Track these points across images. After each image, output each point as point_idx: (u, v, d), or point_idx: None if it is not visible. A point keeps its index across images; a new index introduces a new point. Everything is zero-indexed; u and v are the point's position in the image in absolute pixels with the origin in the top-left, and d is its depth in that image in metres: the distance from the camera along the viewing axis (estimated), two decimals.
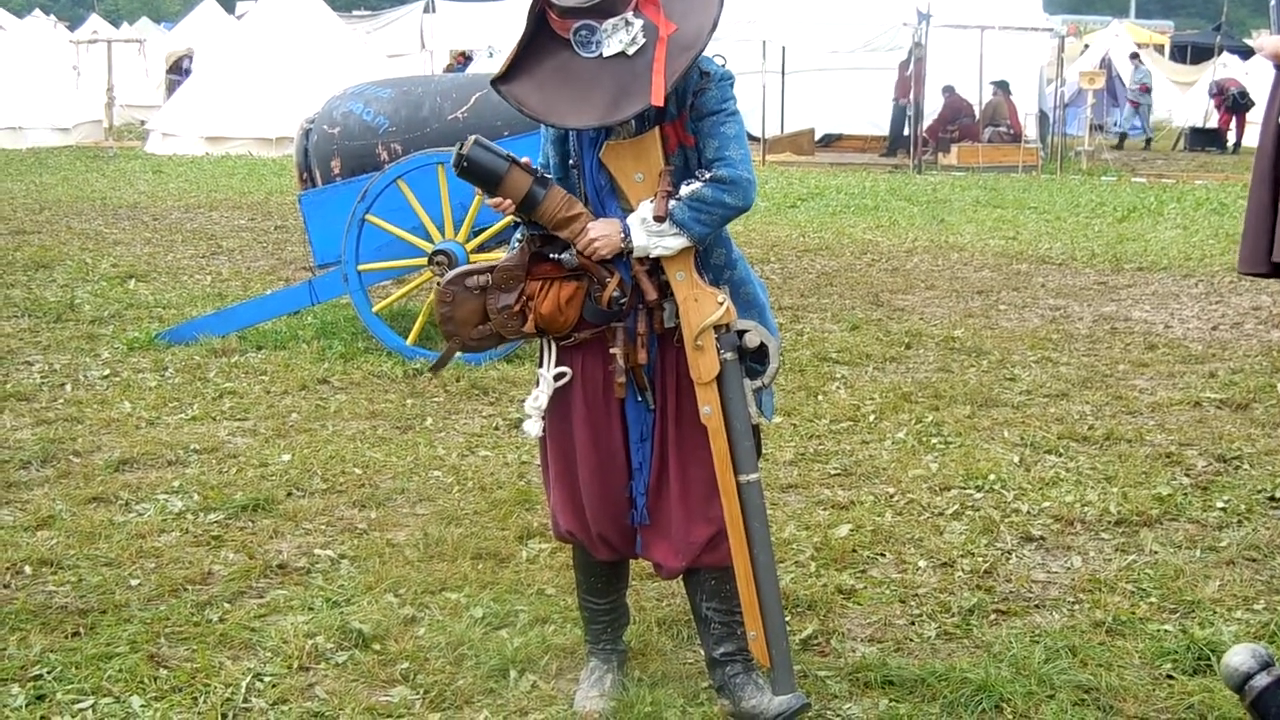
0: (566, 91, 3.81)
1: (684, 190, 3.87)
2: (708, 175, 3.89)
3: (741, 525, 3.96)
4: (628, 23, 3.80)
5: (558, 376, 4.06)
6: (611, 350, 3.98)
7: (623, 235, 3.90)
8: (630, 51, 3.80)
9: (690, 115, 3.94)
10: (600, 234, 3.91)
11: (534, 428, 4.12)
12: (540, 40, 3.88)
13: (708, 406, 3.94)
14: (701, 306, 3.90)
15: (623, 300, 3.96)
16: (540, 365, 4.10)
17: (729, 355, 3.93)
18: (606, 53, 3.81)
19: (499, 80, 3.88)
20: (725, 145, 3.93)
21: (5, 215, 16.37)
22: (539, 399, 4.07)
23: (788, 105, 27.31)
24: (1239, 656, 4.34)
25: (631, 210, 3.91)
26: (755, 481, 3.98)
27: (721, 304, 3.91)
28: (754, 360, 4.02)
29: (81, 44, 34.36)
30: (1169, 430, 7.42)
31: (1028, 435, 7.26)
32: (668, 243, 3.88)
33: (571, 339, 4.04)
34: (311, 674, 4.51)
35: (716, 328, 3.92)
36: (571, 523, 4.18)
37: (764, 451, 6.73)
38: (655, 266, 3.93)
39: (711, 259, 4.04)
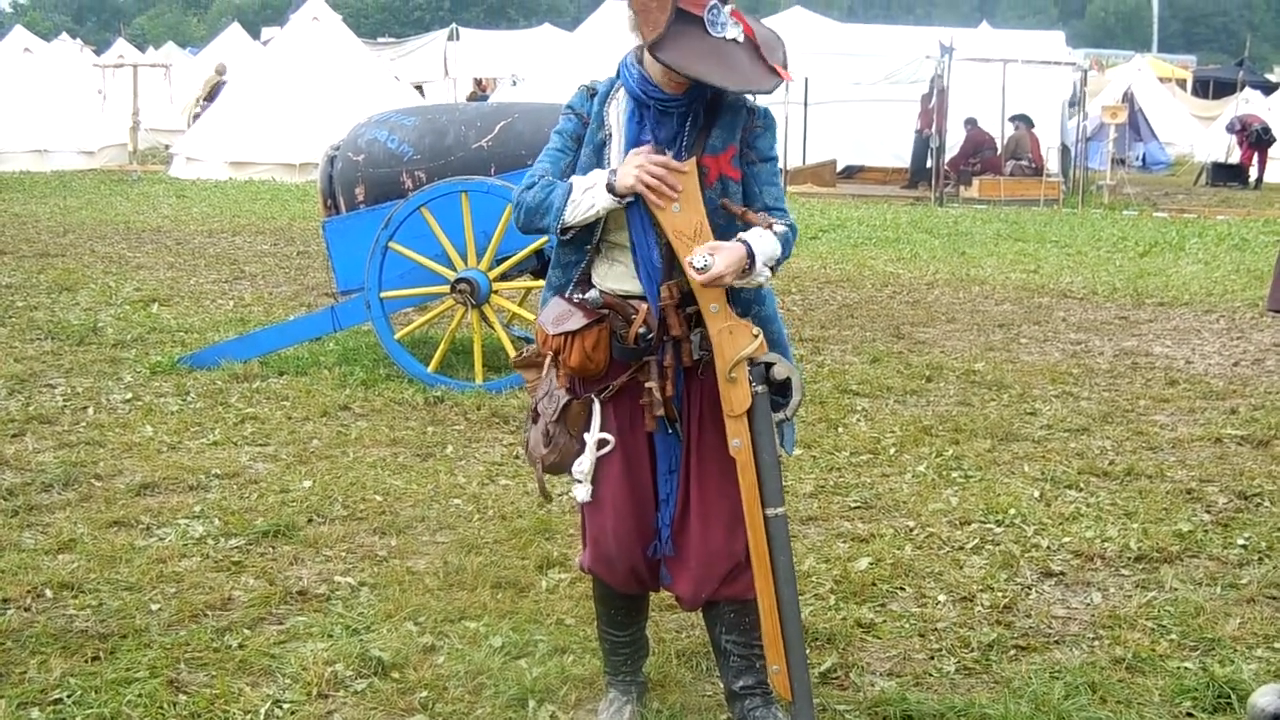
0: (712, 61, 3.84)
1: (779, 229, 3.96)
2: (780, 225, 3.97)
3: (767, 559, 3.96)
4: (732, 19, 3.90)
5: (601, 444, 4.05)
6: (646, 384, 3.99)
7: (748, 261, 3.87)
8: (740, 40, 3.88)
9: (741, 152, 4.01)
10: (727, 265, 3.84)
11: (582, 493, 4.09)
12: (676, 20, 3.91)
13: (738, 439, 3.93)
14: (736, 339, 3.90)
15: (649, 336, 3.98)
16: (586, 429, 4.08)
17: (760, 388, 3.93)
18: (727, 35, 3.86)
19: (654, 48, 3.82)
20: (780, 198, 4.08)
21: (29, 238, 16.46)
22: (584, 464, 4.06)
23: (810, 136, 27.34)
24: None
25: (665, 241, 3.92)
26: (781, 515, 3.98)
27: (756, 336, 3.91)
28: (776, 393, 4.02)
29: (107, 68, 34.55)
30: (1190, 466, 7.41)
31: (1048, 470, 7.25)
32: (762, 277, 3.94)
33: (609, 389, 4.05)
34: (331, 701, 4.52)
35: (749, 361, 3.93)
36: (598, 561, 4.18)
37: (784, 484, 6.76)
38: (684, 299, 3.95)
39: (742, 292, 4.04)
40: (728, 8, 3.88)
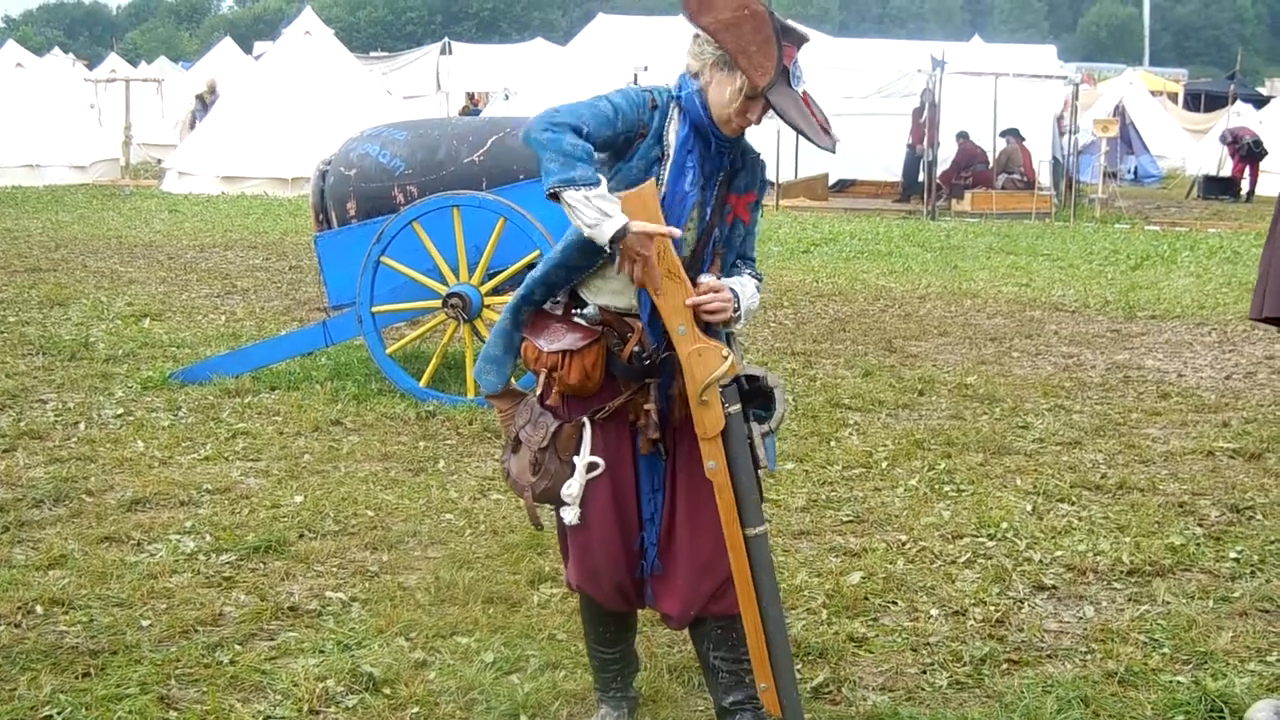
0: (799, 113, 3.89)
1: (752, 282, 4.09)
2: (757, 279, 4.13)
3: (749, 579, 3.93)
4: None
5: (591, 466, 4.03)
6: (646, 407, 3.98)
7: (735, 305, 3.98)
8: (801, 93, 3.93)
9: (754, 200, 4.09)
10: (724, 304, 3.95)
11: (570, 515, 4.06)
12: None
13: (713, 461, 3.90)
14: (706, 361, 3.86)
15: (645, 356, 3.96)
16: (576, 453, 4.06)
17: (733, 409, 3.91)
18: (799, 88, 3.91)
19: (768, 91, 3.83)
20: (754, 248, 4.20)
21: (22, 252, 16.44)
22: (572, 487, 4.03)
23: (802, 150, 27.35)
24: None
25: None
26: (762, 535, 3.95)
27: (726, 358, 3.87)
28: (761, 406, 4.01)
29: (100, 83, 34.58)
30: (1182, 480, 7.41)
31: (1040, 483, 7.25)
32: (739, 324, 4.06)
33: (604, 410, 4.03)
34: (322, 717, 4.51)
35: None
36: (584, 577, 4.16)
37: (775, 498, 6.77)
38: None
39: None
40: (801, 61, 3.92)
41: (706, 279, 3.92)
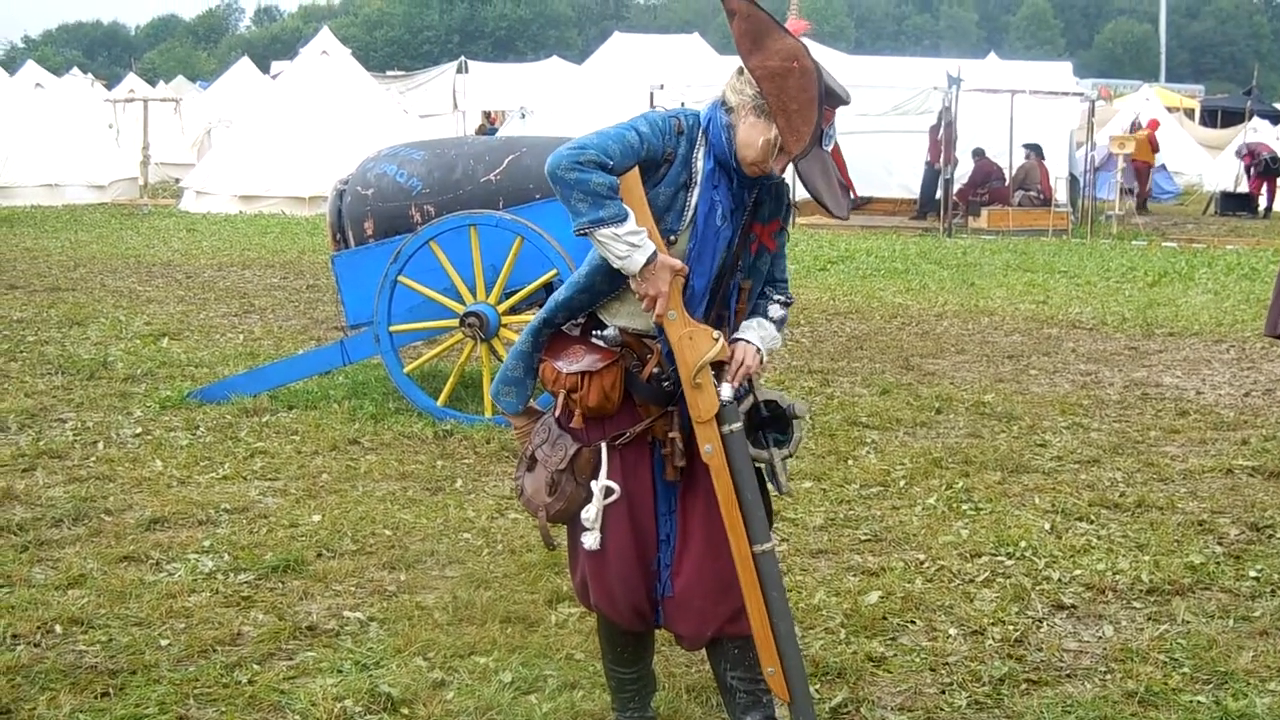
0: (824, 179, 3.90)
1: (777, 314, 4.15)
2: (786, 302, 4.20)
3: (755, 581, 3.93)
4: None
5: (607, 492, 4.03)
6: (671, 435, 3.99)
7: (758, 352, 4.07)
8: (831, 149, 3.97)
9: (782, 228, 4.11)
10: (754, 360, 4.03)
11: (590, 540, 4.06)
12: None
13: (709, 445, 3.91)
14: (697, 344, 3.89)
15: (664, 377, 3.97)
16: (593, 476, 4.06)
17: (737, 426, 3.92)
18: (828, 147, 3.93)
19: (798, 158, 3.85)
20: (786, 270, 4.23)
21: (41, 272, 16.51)
22: (590, 512, 4.04)
23: None
24: None
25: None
26: (769, 551, 3.95)
27: (716, 340, 3.90)
28: (778, 430, 4.01)
29: (118, 103, 34.71)
30: (1201, 498, 7.39)
31: (1059, 502, 7.23)
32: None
33: (625, 435, 4.04)
34: None
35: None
36: (600, 598, 4.16)
37: (792, 517, 6.76)
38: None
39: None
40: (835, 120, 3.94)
41: (739, 352, 4.01)
